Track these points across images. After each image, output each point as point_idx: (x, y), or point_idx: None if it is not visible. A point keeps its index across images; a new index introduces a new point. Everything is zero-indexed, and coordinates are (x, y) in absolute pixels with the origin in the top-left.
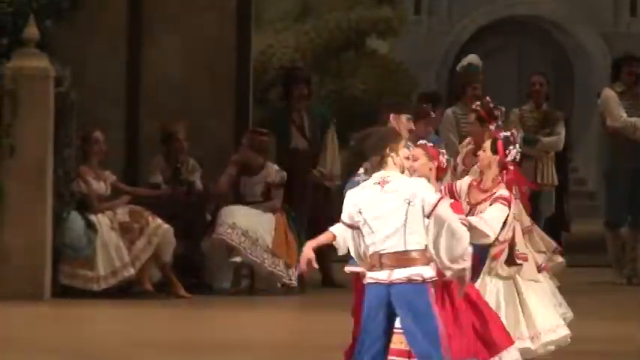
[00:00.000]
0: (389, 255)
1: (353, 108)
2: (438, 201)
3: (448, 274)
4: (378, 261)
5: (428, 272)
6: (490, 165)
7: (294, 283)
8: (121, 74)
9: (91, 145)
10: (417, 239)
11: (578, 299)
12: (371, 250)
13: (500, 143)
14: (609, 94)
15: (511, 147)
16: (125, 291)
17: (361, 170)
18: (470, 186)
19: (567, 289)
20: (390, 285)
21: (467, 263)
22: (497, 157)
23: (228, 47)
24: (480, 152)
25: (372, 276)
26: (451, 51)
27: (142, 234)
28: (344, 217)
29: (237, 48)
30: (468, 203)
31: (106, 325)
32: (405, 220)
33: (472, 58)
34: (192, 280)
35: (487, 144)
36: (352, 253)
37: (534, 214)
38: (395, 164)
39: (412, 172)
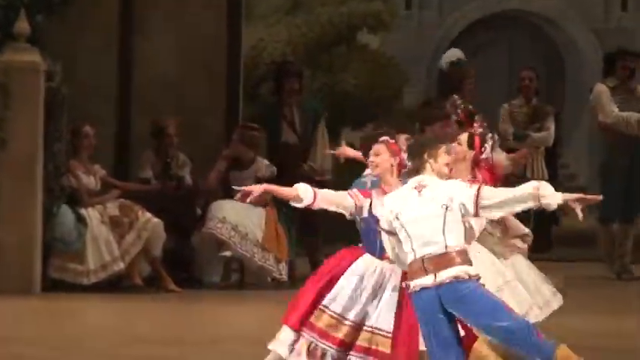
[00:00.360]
0: (431, 259)
1: (344, 103)
2: (478, 194)
3: None
4: (422, 267)
5: (472, 270)
6: (465, 158)
7: (284, 277)
8: (112, 70)
9: (81, 139)
10: (456, 239)
11: (570, 293)
12: (411, 258)
13: (477, 139)
14: (601, 89)
15: (486, 145)
16: (115, 285)
17: (367, 171)
18: None
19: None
20: (437, 287)
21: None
22: (473, 153)
23: (219, 43)
24: (456, 144)
25: (417, 283)
26: (442, 46)
27: (132, 228)
28: (382, 224)
29: (227, 44)
30: None
31: (96, 320)
32: (444, 225)
33: (458, 52)
34: (182, 275)
35: (463, 137)
36: (392, 257)
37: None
38: (433, 170)
39: (374, 167)
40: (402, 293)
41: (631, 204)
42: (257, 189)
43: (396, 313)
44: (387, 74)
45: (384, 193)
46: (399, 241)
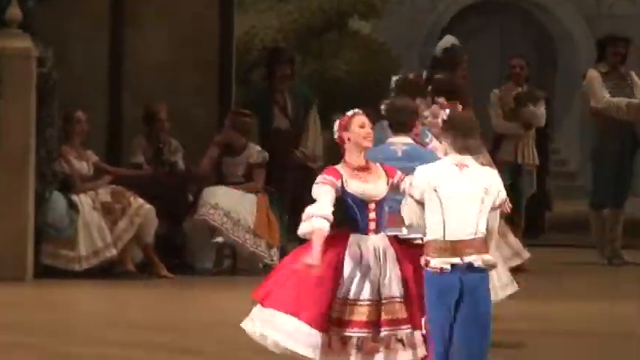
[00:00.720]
0: (461, 241)
1: (335, 89)
2: (505, 199)
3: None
4: (449, 246)
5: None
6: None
7: (276, 263)
8: (103, 56)
9: (73, 125)
10: (484, 226)
11: (563, 280)
12: (437, 234)
13: None
14: (593, 75)
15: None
16: (107, 271)
17: (394, 139)
18: None
19: (550, 270)
20: (463, 271)
21: None
22: None
23: (211, 30)
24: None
25: (441, 262)
26: (434, 31)
27: (124, 214)
28: (414, 192)
29: (219, 30)
30: None
31: (89, 306)
32: (480, 208)
33: (452, 39)
34: (175, 261)
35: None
36: (411, 223)
37: (515, 194)
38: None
39: (370, 139)
40: (400, 259)
41: (621, 189)
42: (316, 263)
43: (401, 277)
44: (378, 60)
45: (350, 167)
46: (422, 210)
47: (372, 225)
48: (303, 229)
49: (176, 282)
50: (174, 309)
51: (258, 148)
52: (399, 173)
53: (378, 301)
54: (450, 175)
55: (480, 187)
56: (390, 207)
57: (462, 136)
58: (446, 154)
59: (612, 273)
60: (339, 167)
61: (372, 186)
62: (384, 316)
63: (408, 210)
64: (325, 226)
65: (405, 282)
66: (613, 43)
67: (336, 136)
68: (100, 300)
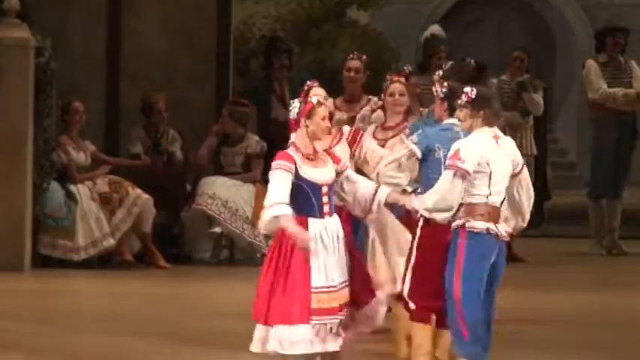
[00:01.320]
0: (495, 208)
1: (333, 79)
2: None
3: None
4: (487, 212)
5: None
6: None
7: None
8: (101, 45)
9: (71, 115)
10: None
11: (561, 270)
12: (477, 200)
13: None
14: (590, 65)
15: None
16: (105, 261)
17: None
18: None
19: (549, 260)
20: (499, 238)
21: None
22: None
23: (209, 18)
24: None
25: (485, 227)
26: (431, 22)
27: (122, 204)
28: (468, 166)
29: (218, 18)
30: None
31: (86, 296)
32: (508, 180)
33: (435, 29)
34: (172, 251)
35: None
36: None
37: None
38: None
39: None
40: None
41: (619, 180)
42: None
43: (349, 260)
44: (376, 50)
45: (300, 152)
46: (466, 183)
47: (327, 208)
48: (266, 223)
49: (174, 272)
50: (171, 299)
51: (257, 138)
52: (342, 161)
53: (343, 284)
54: (493, 148)
55: (510, 159)
56: None
57: (496, 109)
58: (468, 129)
59: (611, 263)
60: (291, 152)
61: (323, 170)
62: (345, 299)
63: (447, 190)
64: (288, 210)
65: (355, 264)
66: (612, 33)
67: (292, 117)
68: (98, 290)
